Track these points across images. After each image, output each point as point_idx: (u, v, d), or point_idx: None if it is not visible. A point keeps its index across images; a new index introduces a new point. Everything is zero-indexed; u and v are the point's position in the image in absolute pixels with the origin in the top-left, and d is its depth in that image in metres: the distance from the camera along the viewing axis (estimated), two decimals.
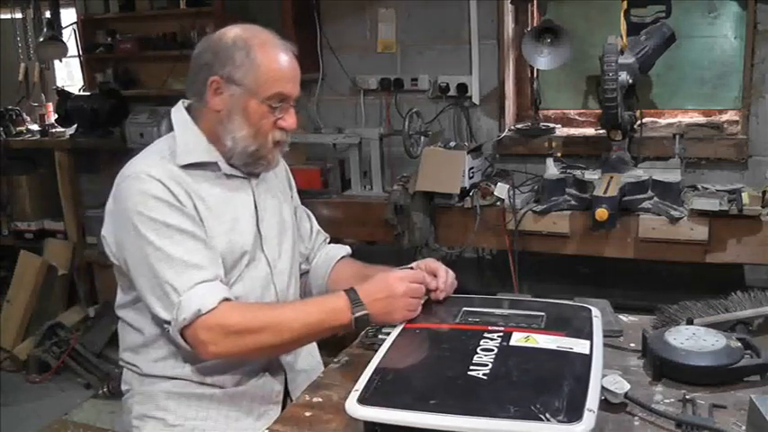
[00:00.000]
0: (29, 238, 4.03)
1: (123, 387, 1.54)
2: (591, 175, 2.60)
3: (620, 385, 1.15)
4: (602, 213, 2.36)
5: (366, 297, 1.36)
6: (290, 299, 1.57)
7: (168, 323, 1.34)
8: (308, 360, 1.62)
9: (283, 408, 1.50)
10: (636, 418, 1.14)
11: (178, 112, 1.50)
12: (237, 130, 1.42)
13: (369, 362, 1.20)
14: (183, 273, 1.33)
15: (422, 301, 1.40)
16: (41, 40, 3.83)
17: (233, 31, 1.44)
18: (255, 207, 1.51)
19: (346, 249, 1.74)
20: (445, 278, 1.44)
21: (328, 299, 1.39)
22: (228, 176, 1.48)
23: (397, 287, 1.36)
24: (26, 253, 3.84)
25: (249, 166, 1.49)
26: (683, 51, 2.85)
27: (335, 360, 1.47)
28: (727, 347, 1.24)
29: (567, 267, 3.00)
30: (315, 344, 1.62)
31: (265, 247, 1.51)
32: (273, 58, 1.41)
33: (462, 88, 3.18)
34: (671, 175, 2.53)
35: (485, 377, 1.12)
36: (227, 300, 1.35)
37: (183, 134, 1.45)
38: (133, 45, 3.88)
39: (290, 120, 1.45)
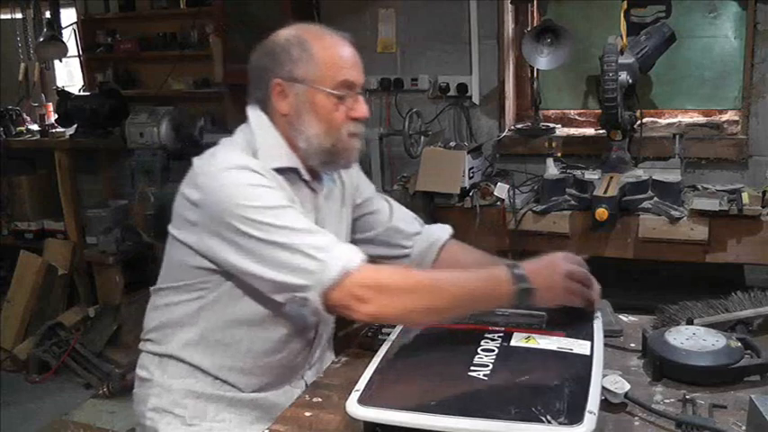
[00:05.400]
0: (29, 238, 4.03)
1: (141, 373, 1.48)
2: (591, 175, 2.60)
3: (620, 385, 1.15)
4: (602, 213, 2.36)
5: (530, 272, 1.27)
6: None
7: (303, 289, 1.26)
8: None
9: None
10: (636, 418, 1.14)
11: (254, 112, 1.42)
12: (309, 128, 1.37)
13: (369, 362, 1.20)
14: (316, 234, 1.28)
15: (584, 290, 1.33)
16: (41, 40, 3.83)
17: (285, 32, 1.40)
18: (318, 215, 1.46)
19: (447, 230, 1.64)
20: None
21: (490, 269, 1.30)
22: (306, 183, 1.43)
23: (561, 265, 1.30)
24: (26, 253, 3.84)
25: (328, 165, 1.43)
26: (683, 51, 2.86)
27: (335, 360, 1.47)
28: (727, 347, 1.24)
29: None
30: None
31: None
32: (330, 45, 1.38)
33: (462, 88, 3.18)
34: (671, 175, 2.53)
35: (485, 378, 1.12)
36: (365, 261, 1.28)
37: (264, 135, 1.39)
38: (133, 45, 3.88)
39: (360, 108, 1.40)
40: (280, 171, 1.38)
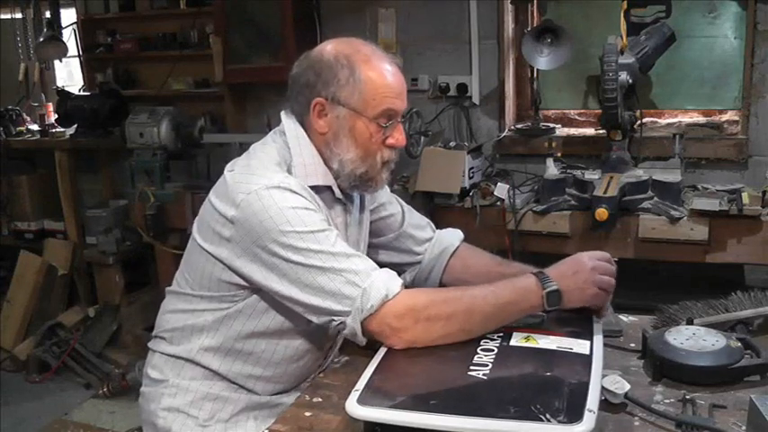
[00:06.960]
0: (29, 238, 4.03)
1: (152, 374, 1.47)
2: (591, 175, 2.60)
3: (620, 385, 1.15)
4: (602, 213, 2.36)
5: (556, 276, 1.29)
6: None
7: (342, 315, 1.27)
8: None
9: None
10: (636, 418, 1.14)
11: (291, 122, 1.41)
12: (344, 152, 1.37)
13: (369, 362, 1.20)
14: (354, 258, 1.29)
15: (612, 284, 1.33)
16: (41, 40, 3.83)
17: (334, 48, 1.37)
18: (348, 230, 1.47)
19: (458, 235, 1.63)
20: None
21: (517, 280, 1.31)
22: (338, 200, 1.43)
23: (586, 261, 1.31)
24: (26, 253, 3.84)
25: (356, 189, 1.43)
26: (683, 51, 2.85)
27: (335, 360, 1.47)
28: (727, 347, 1.24)
29: None
30: None
31: None
32: (378, 71, 1.35)
33: (462, 88, 3.18)
34: (671, 175, 2.53)
35: (485, 377, 1.12)
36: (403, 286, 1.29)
37: (300, 151, 1.38)
38: (133, 45, 3.88)
39: (398, 137, 1.39)
40: (314, 189, 1.37)
